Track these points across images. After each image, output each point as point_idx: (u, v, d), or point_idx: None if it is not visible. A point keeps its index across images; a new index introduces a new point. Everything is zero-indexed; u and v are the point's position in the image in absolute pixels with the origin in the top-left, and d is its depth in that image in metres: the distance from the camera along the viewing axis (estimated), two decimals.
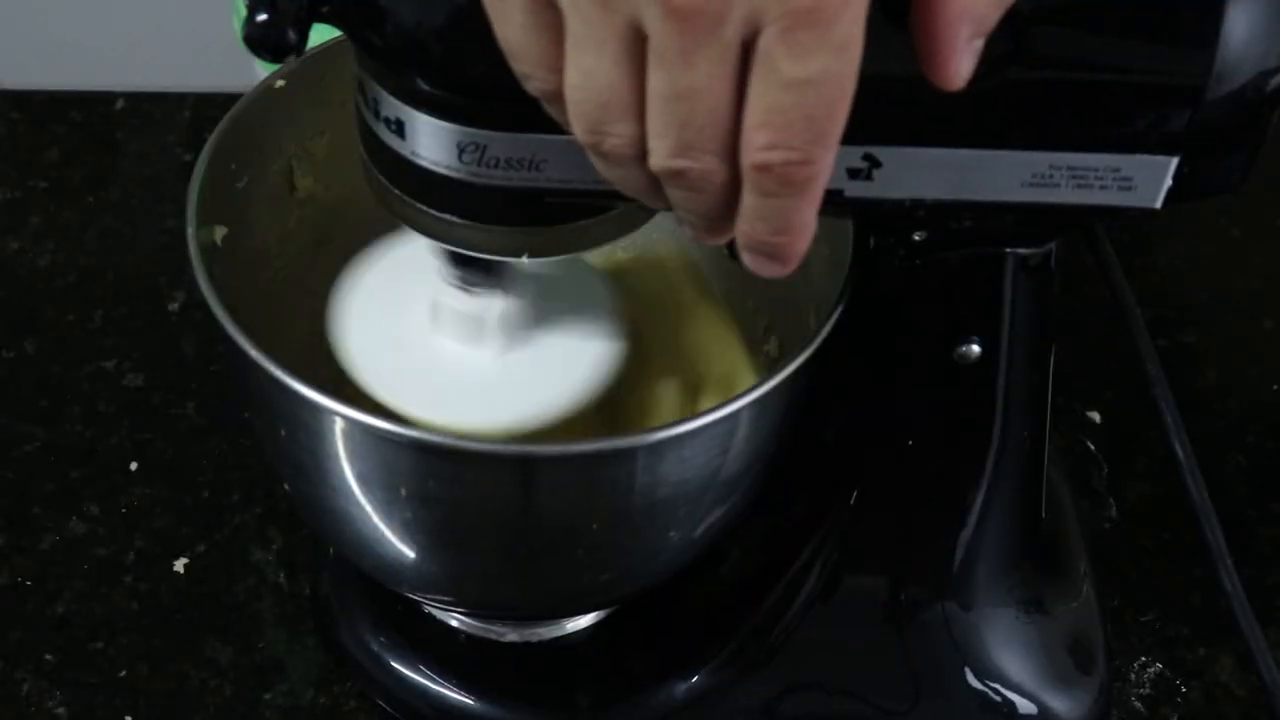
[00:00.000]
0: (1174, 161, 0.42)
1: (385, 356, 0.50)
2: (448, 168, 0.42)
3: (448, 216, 0.44)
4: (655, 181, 0.36)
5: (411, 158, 0.42)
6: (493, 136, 0.41)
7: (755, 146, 0.33)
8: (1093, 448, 0.69)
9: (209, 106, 0.83)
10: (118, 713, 0.58)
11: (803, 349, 0.47)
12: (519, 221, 0.44)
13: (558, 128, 0.41)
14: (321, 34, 0.74)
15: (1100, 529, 0.66)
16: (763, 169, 0.34)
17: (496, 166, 0.41)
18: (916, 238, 0.47)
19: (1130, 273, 0.48)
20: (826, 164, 0.34)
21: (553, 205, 0.43)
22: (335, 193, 0.58)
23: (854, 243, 0.49)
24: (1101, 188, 0.43)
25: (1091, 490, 0.68)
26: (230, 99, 0.53)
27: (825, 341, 0.47)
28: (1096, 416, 0.71)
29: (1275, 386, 0.73)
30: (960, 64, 0.35)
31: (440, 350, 0.50)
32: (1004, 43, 0.39)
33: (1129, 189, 0.43)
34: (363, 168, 0.46)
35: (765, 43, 0.32)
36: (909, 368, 0.52)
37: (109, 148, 0.81)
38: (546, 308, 0.51)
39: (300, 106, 0.55)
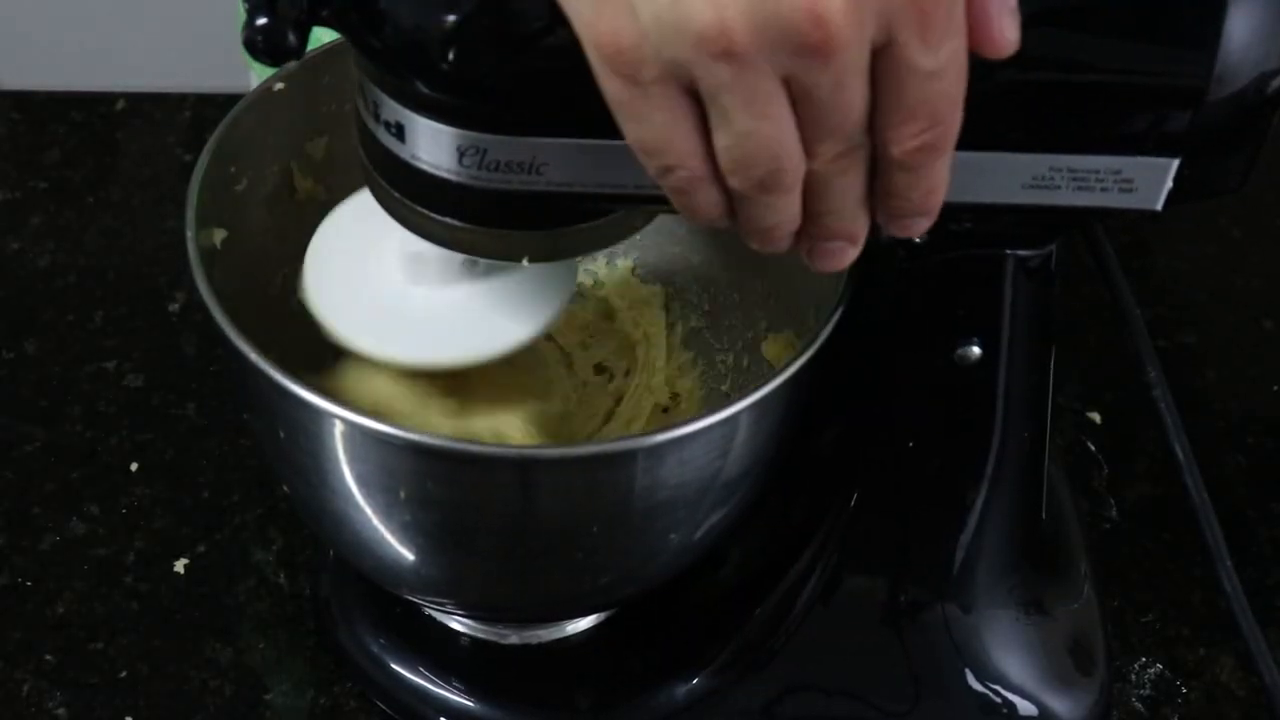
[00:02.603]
0: (1175, 163, 0.42)
1: (346, 294, 0.50)
2: (448, 171, 0.42)
3: (448, 220, 0.44)
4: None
5: (411, 161, 0.42)
6: (493, 140, 0.41)
7: (908, 136, 0.36)
8: (1093, 448, 0.69)
9: (209, 106, 0.83)
10: (118, 713, 0.58)
11: (802, 350, 0.47)
12: (519, 225, 0.44)
13: (557, 131, 0.41)
14: (321, 36, 0.73)
15: (1100, 529, 0.66)
16: (916, 151, 0.36)
17: (497, 170, 0.41)
18: (916, 240, 0.47)
19: (1130, 273, 0.48)
20: (960, 122, 0.37)
21: (553, 209, 0.43)
22: (335, 194, 0.58)
23: None
24: (1102, 189, 0.43)
25: (1091, 490, 0.68)
26: (230, 99, 0.53)
27: (825, 343, 0.47)
28: (1096, 417, 0.71)
29: (1275, 386, 0.73)
30: (1006, 30, 0.36)
31: (400, 288, 0.50)
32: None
33: (1130, 190, 0.43)
34: (362, 171, 0.46)
35: (899, 46, 0.34)
36: (909, 369, 0.52)
37: (109, 148, 0.81)
38: None
39: (300, 108, 0.55)
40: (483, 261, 0.49)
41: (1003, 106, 0.41)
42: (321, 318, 0.50)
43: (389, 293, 0.50)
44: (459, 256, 0.49)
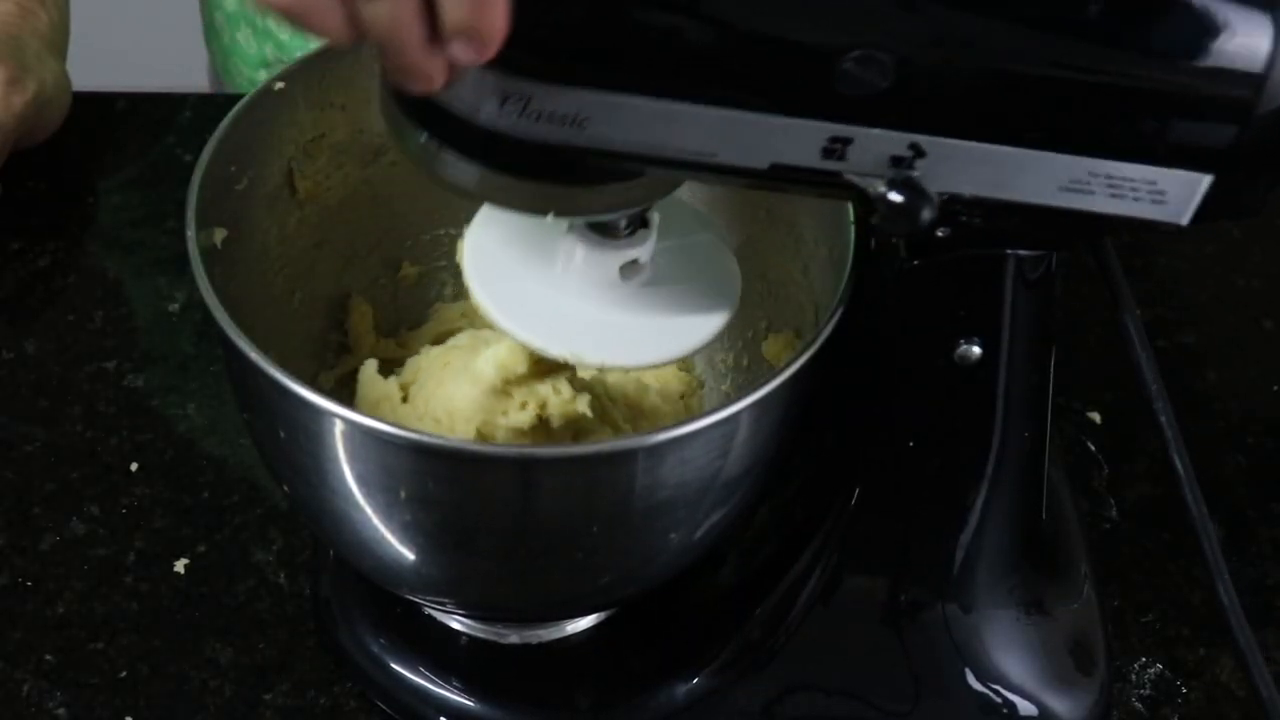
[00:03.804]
0: (1208, 179, 0.42)
1: (515, 292, 0.49)
2: (486, 117, 0.41)
3: (478, 168, 0.43)
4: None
5: (448, 105, 0.41)
6: (539, 89, 0.40)
7: None
8: (1093, 448, 0.69)
9: (209, 106, 0.83)
10: (118, 713, 0.58)
11: (803, 350, 0.47)
12: (549, 178, 0.43)
13: (607, 84, 0.40)
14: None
15: (1100, 529, 0.66)
16: None
17: (538, 120, 0.40)
18: (940, 233, 0.47)
19: (1130, 273, 0.49)
20: None
21: (585, 165, 0.42)
22: (335, 194, 0.58)
23: (855, 244, 0.49)
24: (1134, 199, 0.43)
25: (1091, 490, 0.68)
26: (230, 99, 0.53)
27: (826, 342, 0.47)
28: (1096, 417, 0.70)
29: (1275, 386, 0.73)
30: None
31: (571, 288, 0.49)
32: (1057, 46, 0.39)
33: (1161, 203, 0.43)
34: (385, 116, 0.44)
35: None
36: (909, 369, 0.52)
37: (109, 148, 0.81)
38: (666, 246, 0.50)
39: (300, 108, 0.55)
40: (646, 266, 0.49)
41: (1051, 104, 0.41)
42: (500, 320, 0.49)
43: (558, 292, 0.49)
44: (619, 262, 0.48)
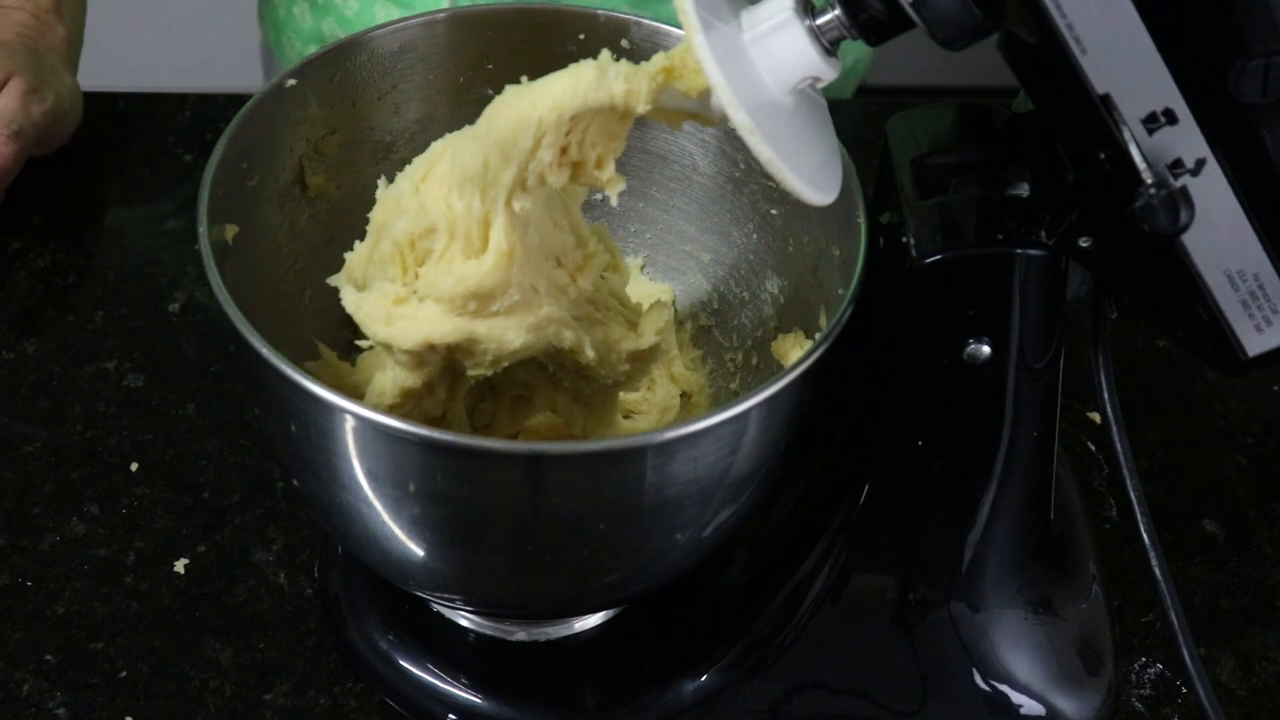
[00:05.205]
0: None
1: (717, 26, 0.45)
2: None
3: None
4: None
5: None
6: None
7: None
8: (1093, 448, 0.69)
9: (209, 106, 0.83)
10: (118, 713, 0.58)
11: (813, 349, 0.47)
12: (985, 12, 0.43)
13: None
14: (328, 35, 0.73)
15: (1100, 529, 0.67)
16: None
17: None
18: (1083, 242, 0.48)
19: None
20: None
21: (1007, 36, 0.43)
22: (346, 191, 0.58)
23: (865, 244, 0.50)
24: (1249, 315, 0.45)
25: (1092, 490, 0.68)
26: (231, 99, 0.53)
27: (835, 341, 0.47)
28: (1097, 417, 0.71)
29: (1275, 386, 0.73)
30: None
31: (760, 64, 0.45)
32: None
33: (1260, 330, 0.45)
34: None
35: None
36: (919, 367, 0.52)
37: (109, 147, 0.81)
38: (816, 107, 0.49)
39: (311, 105, 0.55)
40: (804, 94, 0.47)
41: None
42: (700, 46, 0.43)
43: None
44: (809, 70, 0.45)
